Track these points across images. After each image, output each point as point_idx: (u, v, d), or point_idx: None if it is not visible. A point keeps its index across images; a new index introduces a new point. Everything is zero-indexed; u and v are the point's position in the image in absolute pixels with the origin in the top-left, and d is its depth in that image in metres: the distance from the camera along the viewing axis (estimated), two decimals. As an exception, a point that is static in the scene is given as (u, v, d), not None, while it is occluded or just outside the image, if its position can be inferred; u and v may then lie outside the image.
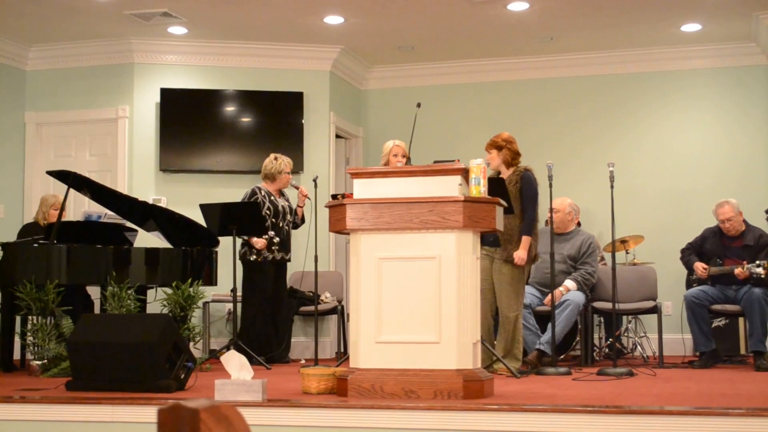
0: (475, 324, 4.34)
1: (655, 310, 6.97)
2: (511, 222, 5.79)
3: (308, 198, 7.05)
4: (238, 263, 6.72)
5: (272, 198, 7.03)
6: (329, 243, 8.35)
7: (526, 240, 5.84)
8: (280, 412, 3.99)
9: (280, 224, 7.05)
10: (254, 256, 6.91)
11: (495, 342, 5.97)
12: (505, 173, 5.97)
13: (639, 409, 3.71)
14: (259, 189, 7.02)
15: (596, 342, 7.40)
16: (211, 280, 6.83)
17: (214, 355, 6.44)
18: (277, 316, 7.09)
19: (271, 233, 6.97)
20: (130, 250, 6.44)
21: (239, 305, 6.86)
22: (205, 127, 8.31)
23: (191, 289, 6.31)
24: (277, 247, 6.99)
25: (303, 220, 7.24)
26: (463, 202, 4.19)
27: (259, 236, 6.83)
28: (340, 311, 7.71)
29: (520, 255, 5.81)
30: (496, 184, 5.30)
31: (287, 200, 7.20)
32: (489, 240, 5.73)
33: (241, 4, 7.35)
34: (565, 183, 7.97)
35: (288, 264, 7.21)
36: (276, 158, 7.10)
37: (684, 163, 8.53)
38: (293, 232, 7.27)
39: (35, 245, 6.11)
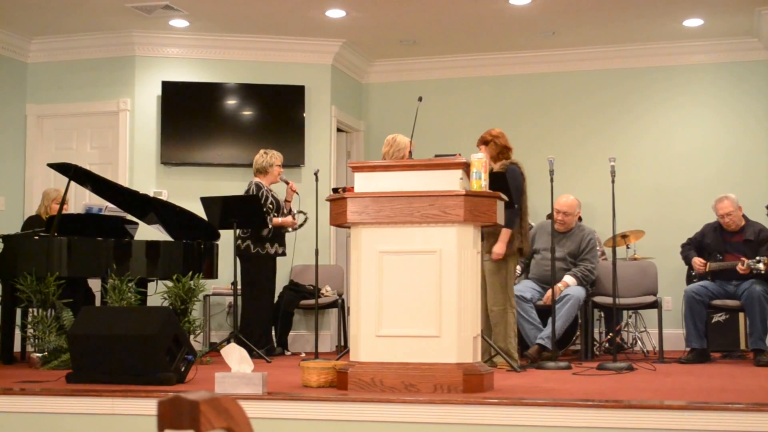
0: (476, 318, 4.35)
1: (655, 305, 6.97)
2: None
3: (296, 193, 7.16)
4: (238, 257, 6.71)
5: (273, 192, 7.05)
6: (330, 237, 8.35)
7: (505, 233, 5.74)
8: (280, 405, 3.99)
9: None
10: (256, 249, 6.91)
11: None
12: (493, 168, 5.94)
13: (639, 404, 3.71)
14: (260, 184, 7.02)
15: (596, 337, 7.40)
16: (211, 273, 6.83)
17: (215, 348, 6.45)
18: (276, 310, 7.09)
19: (299, 215, 7.13)
20: (131, 243, 6.44)
21: (239, 299, 6.85)
22: (207, 120, 8.30)
23: (192, 282, 6.31)
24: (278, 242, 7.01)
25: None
26: (464, 196, 4.19)
27: (265, 226, 6.82)
28: (340, 305, 7.71)
29: (496, 251, 5.73)
30: (497, 179, 5.30)
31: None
32: None
33: (242, -3, 7.35)
34: (566, 178, 7.97)
35: (284, 257, 7.21)
36: (266, 152, 7.13)
37: (685, 158, 8.52)
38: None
39: (36, 238, 6.12)
